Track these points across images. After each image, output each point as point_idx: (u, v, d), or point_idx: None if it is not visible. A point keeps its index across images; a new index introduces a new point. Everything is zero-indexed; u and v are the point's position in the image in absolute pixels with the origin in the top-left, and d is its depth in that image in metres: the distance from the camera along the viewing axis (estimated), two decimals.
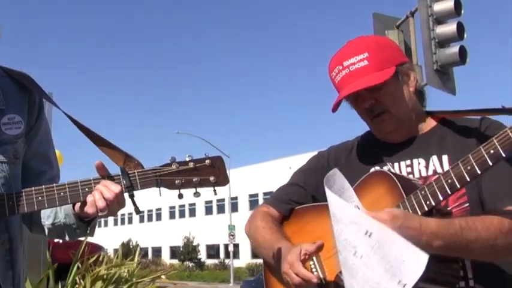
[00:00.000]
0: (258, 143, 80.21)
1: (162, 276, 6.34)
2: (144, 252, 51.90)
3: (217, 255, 48.44)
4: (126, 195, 1.53)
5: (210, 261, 45.96)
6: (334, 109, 1.79)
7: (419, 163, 1.73)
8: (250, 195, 45.60)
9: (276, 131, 79.05)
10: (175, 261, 46.64)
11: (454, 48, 6.65)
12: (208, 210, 51.28)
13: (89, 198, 1.52)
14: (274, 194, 2.00)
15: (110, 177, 1.52)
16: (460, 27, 6.64)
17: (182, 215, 54.68)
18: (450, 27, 6.68)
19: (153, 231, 56.75)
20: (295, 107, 76.81)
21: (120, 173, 1.52)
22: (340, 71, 1.76)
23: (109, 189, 1.49)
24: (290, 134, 77.16)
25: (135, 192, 1.52)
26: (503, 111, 1.59)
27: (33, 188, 1.52)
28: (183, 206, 53.86)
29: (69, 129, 1.69)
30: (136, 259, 6.03)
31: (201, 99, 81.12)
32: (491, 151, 1.40)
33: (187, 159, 1.55)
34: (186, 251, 46.54)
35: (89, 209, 1.52)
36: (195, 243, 47.04)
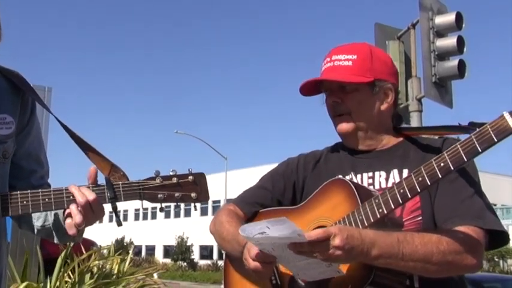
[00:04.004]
0: (256, 147, 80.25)
1: (154, 275, 6.33)
2: (137, 250, 51.74)
3: (210, 256, 48.33)
4: (109, 205, 1.55)
5: (203, 262, 45.83)
6: (302, 89, 1.88)
7: (380, 175, 1.80)
8: None
9: (274, 135, 79.14)
10: (168, 261, 46.52)
11: (453, 62, 6.67)
12: (204, 211, 51.17)
13: (68, 220, 1.55)
14: (241, 195, 2.04)
15: (95, 187, 1.54)
16: (460, 41, 6.66)
17: (177, 214, 54.55)
18: (450, 41, 6.70)
19: (148, 230, 56.62)
20: (294, 112, 76.84)
21: (104, 184, 1.55)
22: (327, 62, 1.86)
23: (83, 194, 1.51)
24: (288, 139, 77.21)
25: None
26: (459, 128, 1.66)
27: (18, 192, 1.54)
28: (179, 205, 53.49)
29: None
30: (130, 255, 6.02)
31: (201, 100, 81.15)
32: (442, 164, 1.49)
33: (171, 173, 1.58)
34: (179, 251, 46.42)
35: (70, 231, 1.56)
36: (188, 244, 46.94)
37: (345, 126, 1.83)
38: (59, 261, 4.95)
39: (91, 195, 1.51)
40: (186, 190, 1.58)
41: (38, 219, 1.69)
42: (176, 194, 1.57)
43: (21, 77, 1.73)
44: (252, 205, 1.95)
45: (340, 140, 1.96)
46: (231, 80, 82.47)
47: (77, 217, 1.51)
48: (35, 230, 1.71)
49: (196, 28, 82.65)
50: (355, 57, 1.81)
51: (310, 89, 1.90)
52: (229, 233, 1.84)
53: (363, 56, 1.82)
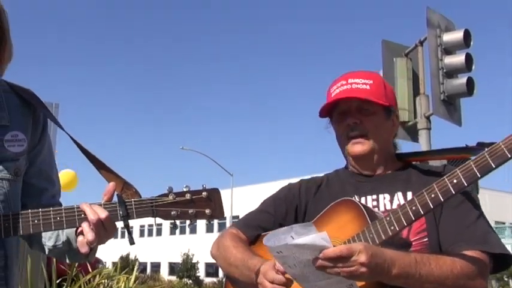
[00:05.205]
0: (262, 163, 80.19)
1: None
2: (142, 267, 51.59)
3: (216, 274, 48.03)
4: (121, 223, 1.53)
5: (208, 280, 45.55)
6: (321, 112, 1.90)
7: (384, 198, 1.84)
8: None
9: (281, 152, 79.10)
10: (174, 278, 46.27)
11: (462, 79, 6.64)
12: (209, 228, 50.97)
13: (80, 238, 1.54)
14: (243, 218, 2.04)
15: (107, 205, 1.52)
16: (469, 59, 6.64)
17: (183, 231, 54.37)
18: (459, 58, 6.68)
19: (153, 247, 56.45)
20: (301, 129, 76.93)
21: (117, 201, 1.53)
22: (342, 85, 1.88)
23: (95, 212, 1.49)
24: (294, 157, 77.15)
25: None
26: (466, 150, 1.71)
27: (29, 211, 1.52)
28: (184, 222, 53.44)
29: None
30: (135, 273, 5.98)
31: (206, 115, 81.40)
32: (455, 181, 1.52)
33: (185, 189, 1.55)
34: (185, 268, 46.20)
35: (82, 249, 1.54)
36: (194, 261, 46.72)
37: (362, 147, 1.86)
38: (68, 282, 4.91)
39: (103, 213, 1.49)
40: (200, 206, 1.55)
41: (50, 239, 1.67)
42: (190, 211, 1.54)
43: (32, 94, 1.73)
44: (255, 229, 1.96)
45: (340, 167, 2.01)
46: (237, 95, 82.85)
47: (89, 235, 1.49)
48: (46, 250, 1.69)
49: (202, 43, 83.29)
50: (371, 82, 1.87)
51: (326, 110, 1.92)
52: (236, 258, 1.83)
53: (378, 82, 1.89)
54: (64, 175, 7.61)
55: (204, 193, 1.55)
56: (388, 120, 1.89)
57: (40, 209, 1.52)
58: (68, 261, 1.69)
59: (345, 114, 1.86)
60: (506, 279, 33.77)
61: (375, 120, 1.84)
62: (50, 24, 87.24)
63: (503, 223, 41.52)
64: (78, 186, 8.39)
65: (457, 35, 6.74)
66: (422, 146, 6.77)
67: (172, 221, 1.55)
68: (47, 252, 1.70)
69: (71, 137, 1.69)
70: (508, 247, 1.82)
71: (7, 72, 1.73)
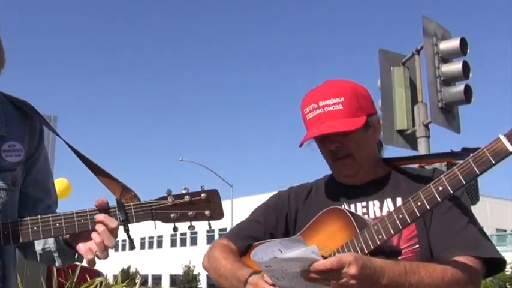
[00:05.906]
0: (262, 173, 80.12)
1: None
2: (144, 279, 51.37)
3: None
4: (121, 228, 1.52)
5: None
6: (301, 145, 1.87)
7: (374, 204, 1.82)
8: None
9: (281, 161, 79.04)
10: None
11: (459, 87, 6.66)
12: (210, 239, 50.85)
13: (84, 246, 1.52)
14: (233, 229, 2.03)
15: (106, 210, 1.52)
16: (466, 67, 6.66)
17: (183, 243, 54.25)
18: (456, 66, 6.70)
19: (154, 259, 56.25)
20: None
21: (116, 206, 1.52)
22: (314, 109, 1.83)
23: (113, 220, 1.49)
24: (294, 167, 77.07)
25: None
26: (452, 155, 1.71)
27: (28, 218, 1.51)
28: (185, 234, 53.41)
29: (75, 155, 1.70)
30: (137, 285, 5.95)
31: (207, 128, 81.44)
32: (440, 188, 1.52)
33: (183, 191, 1.55)
34: (186, 280, 46.00)
35: (88, 256, 1.52)
36: (195, 272, 46.54)
37: (349, 169, 1.84)
38: None
39: (114, 223, 1.49)
40: (200, 208, 1.55)
41: (39, 244, 1.66)
42: (190, 213, 1.54)
43: (29, 105, 1.74)
44: (245, 239, 1.95)
45: (330, 173, 1.98)
46: (236, 104, 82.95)
47: (110, 240, 1.49)
48: (38, 256, 1.69)
49: (202, 52, 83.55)
50: (342, 99, 1.80)
51: (303, 141, 1.88)
52: (226, 269, 1.83)
53: (349, 95, 1.81)
54: (57, 183, 7.61)
55: (203, 194, 1.55)
56: (368, 131, 1.84)
57: (39, 216, 1.52)
58: (57, 264, 1.66)
59: (325, 139, 1.83)
60: (509, 287, 33.61)
61: (355, 138, 1.80)
62: (47, 33, 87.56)
63: (505, 230, 41.38)
64: (71, 194, 8.36)
65: (454, 43, 6.77)
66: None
67: (172, 224, 1.54)
68: (38, 259, 1.69)
69: (67, 144, 1.69)
70: (510, 254, 1.80)
71: (3, 85, 1.75)
